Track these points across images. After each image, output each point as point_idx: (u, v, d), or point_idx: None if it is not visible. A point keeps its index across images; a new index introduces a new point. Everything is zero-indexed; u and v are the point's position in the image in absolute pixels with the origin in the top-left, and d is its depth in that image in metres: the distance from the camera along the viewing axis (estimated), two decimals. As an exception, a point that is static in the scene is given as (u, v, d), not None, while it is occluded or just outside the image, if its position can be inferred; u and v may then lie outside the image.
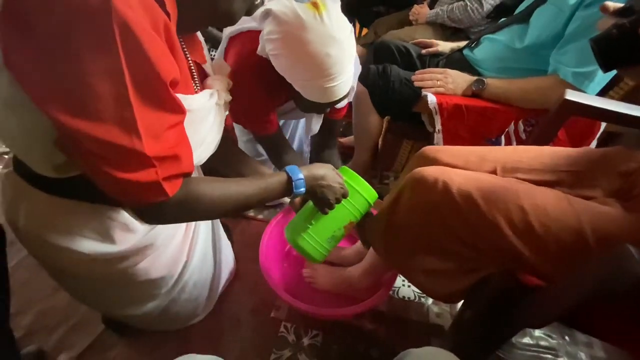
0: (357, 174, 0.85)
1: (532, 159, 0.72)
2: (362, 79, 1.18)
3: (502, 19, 1.21)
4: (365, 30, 2.09)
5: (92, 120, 0.41)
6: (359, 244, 1.05)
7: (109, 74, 0.39)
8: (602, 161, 0.70)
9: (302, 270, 1.07)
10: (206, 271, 0.88)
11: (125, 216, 0.60)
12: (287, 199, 0.90)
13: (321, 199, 0.76)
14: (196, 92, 0.62)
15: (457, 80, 1.09)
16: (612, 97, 0.99)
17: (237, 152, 0.92)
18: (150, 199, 0.49)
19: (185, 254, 0.78)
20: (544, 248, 0.57)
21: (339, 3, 0.77)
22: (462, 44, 1.30)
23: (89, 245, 0.58)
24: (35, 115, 0.43)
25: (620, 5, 0.51)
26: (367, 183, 0.85)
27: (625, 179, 0.66)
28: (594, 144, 1.06)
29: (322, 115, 1.05)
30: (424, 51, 1.31)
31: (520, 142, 1.07)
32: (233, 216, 1.25)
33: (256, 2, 0.61)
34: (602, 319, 0.59)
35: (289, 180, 0.68)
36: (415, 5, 1.73)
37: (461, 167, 0.72)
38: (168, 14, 0.45)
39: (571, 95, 0.82)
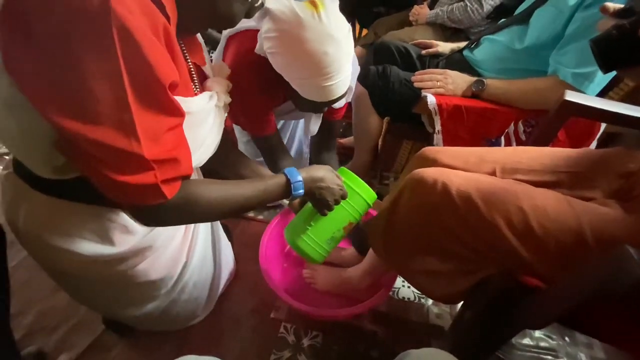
0: (355, 175, 0.85)
1: (531, 160, 0.72)
2: (362, 79, 1.18)
3: (502, 20, 1.21)
4: (365, 31, 2.09)
5: (91, 123, 0.41)
6: (358, 244, 1.05)
7: (108, 77, 0.40)
8: (601, 162, 0.69)
9: (302, 271, 1.07)
10: (206, 272, 0.88)
11: (124, 218, 0.61)
12: (286, 201, 0.90)
13: (320, 201, 0.76)
14: (196, 94, 0.62)
15: (457, 81, 1.09)
16: (612, 98, 0.99)
17: (236, 154, 0.92)
18: (148, 202, 0.49)
19: (184, 255, 0.78)
20: (544, 249, 0.57)
21: (337, 2, 0.77)
22: (462, 44, 1.30)
23: (88, 247, 0.59)
24: (35, 117, 0.43)
25: (620, 6, 0.51)
26: (365, 184, 0.85)
27: (625, 180, 0.66)
28: (593, 144, 1.06)
29: (321, 115, 1.05)
30: (423, 52, 1.31)
31: (520, 142, 1.07)
32: (233, 217, 1.26)
33: (256, 5, 0.61)
34: (602, 319, 0.59)
35: (288, 182, 0.69)
36: (415, 6, 1.73)
37: (461, 168, 0.72)
38: (167, 17, 0.46)
39: (571, 96, 0.82)
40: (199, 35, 0.70)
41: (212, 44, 1.28)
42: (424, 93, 1.07)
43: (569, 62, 0.93)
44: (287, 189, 0.69)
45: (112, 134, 0.42)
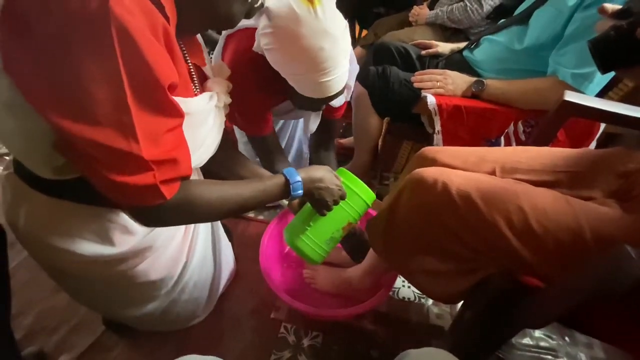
0: (354, 176, 0.85)
1: (531, 160, 0.72)
2: (362, 80, 1.18)
3: (502, 20, 1.21)
4: (365, 32, 2.09)
5: (90, 124, 0.41)
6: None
7: (107, 78, 0.40)
8: (601, 162, 0.70)
9: (302, 271, 1.07)
10: (206, 272, 0.89)
11: (124, 218, 0.61)
12: (285, 201, 0.90)
13: (319, 201, 0.76)
14: (196, 95, 0.62)
15: (457, 81, 1.09)
16: (611, 98, 0.99)
17: (236, 154, 0.92)
18: (148, 202, 0.49)
19: (184, 255, 0.78)
20: (543, 248, 0.57)
21: None
22: (462, 45, 1.30)
23: (89, 247, 0.59)
24: (35, 117, 0.43)
25: (618, 7, 0.51)
26: (364, 184, 0.85)
27: (624, 180, 0.66)
28: (593, 144, 1.06)
29: (320, 113, 1.05)
30: (423, 52, 1.31)
31: (519, 142, 1.07)
32: (232, 217, 1.26)
33: (255, 5, 0.61)
34: (602, 319, 0.59)
35: (287, 182, 0.69)
36: (415, 6, 1.73)
37: (460, 168, 0.72)
38: (167, 18, 0.46)
39: (570, 96, 0.82)
40: (199, 36, 0.70)
41: (212, 45, 1.28)
42: (423, 93, 1.08)
43: (568, 63, 0.93)
44: (286, 190, 0.69)
45: (111, 134, 0.42)
